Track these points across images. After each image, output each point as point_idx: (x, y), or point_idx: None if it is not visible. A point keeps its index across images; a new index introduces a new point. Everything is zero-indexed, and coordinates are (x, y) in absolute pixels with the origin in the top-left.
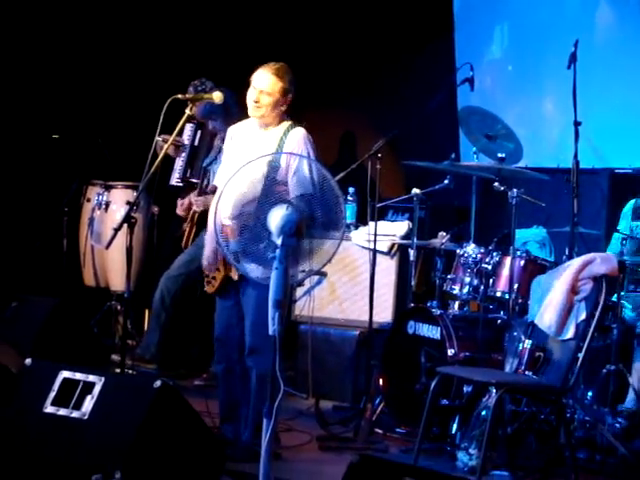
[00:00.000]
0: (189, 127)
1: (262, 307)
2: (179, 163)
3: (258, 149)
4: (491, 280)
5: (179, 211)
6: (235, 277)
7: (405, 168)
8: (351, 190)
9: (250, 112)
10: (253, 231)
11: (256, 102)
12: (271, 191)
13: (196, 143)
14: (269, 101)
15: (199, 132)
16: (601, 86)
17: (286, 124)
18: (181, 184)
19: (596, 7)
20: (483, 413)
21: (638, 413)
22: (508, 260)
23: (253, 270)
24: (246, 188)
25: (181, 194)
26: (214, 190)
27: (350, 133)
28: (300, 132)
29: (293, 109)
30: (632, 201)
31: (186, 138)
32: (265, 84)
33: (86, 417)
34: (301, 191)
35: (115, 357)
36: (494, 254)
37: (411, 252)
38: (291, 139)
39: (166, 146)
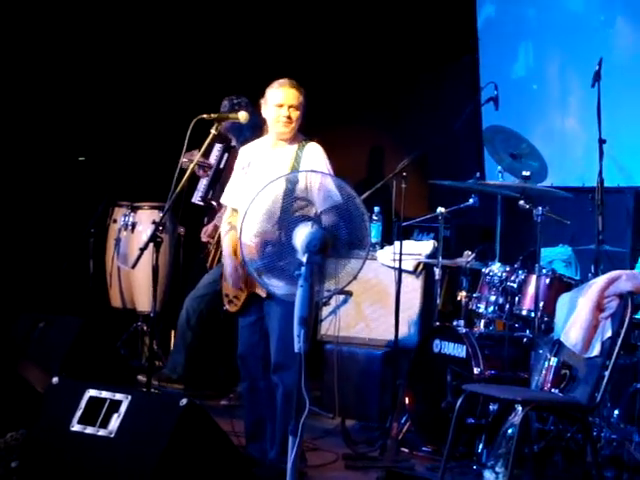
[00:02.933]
0: (217, 148)
1: (287, 323)
2: (203, 182)
3: (274, 166)
4: (517, 298)
5: (203, 237)
6: (263, 294)
7: (430, 187)
8: (376, 209)
9: (279, 130)
10: (275, 248)
11: (289, 118)
12: (291, 207)
13: (222, 165)
14: (297, 115)
15: (226, 154)
16: (626, 104)
17: (299, 139)
18: (202, 203)
19: (619, 24)
20: (509, 431)
21: None
22: (533, 278)
23: (277, 287)
24: (267, 206)
25: (206, 219)
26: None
27: (377, 152)
28: (316, 147)
29: (321, 127)
30: None
31: (213, 158)
32: (293, 99)
33: (113, 435)
34: (330, 203)
35: (141, 378)
36: (519, 272)
37: (436, 271)
38: (308, 154)
39: (191, 166)
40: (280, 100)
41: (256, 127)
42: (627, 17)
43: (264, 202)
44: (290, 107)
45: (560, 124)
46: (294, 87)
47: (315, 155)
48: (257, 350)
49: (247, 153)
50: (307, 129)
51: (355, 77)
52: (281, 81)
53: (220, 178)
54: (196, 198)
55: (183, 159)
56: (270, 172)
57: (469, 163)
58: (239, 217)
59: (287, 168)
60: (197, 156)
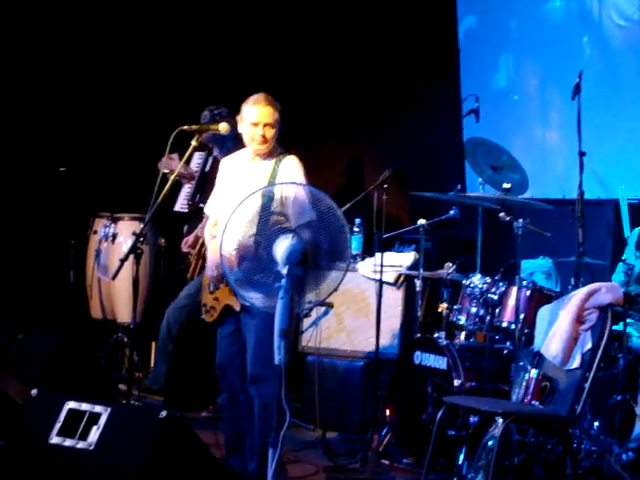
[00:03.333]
0: (198, 155)
1: (262, 335)
2: (186, 190)
3: (252, 180)
4: (497, 310)
5: (184, 248)
6: (237, 308)
7: (411, 199)
8: (357, 221)
9: (255, 148)
10: (253, 261)
11: (264, 137)
12: (268, 221)
13: (207, 169)
14: (273, 133)
15: (210, 159)
16: (606, 116)
17: (276, 152)
18: (186, 209)
19: (600, 37)
20: (490, 443)
21: None
22: (514, 290)
23: (256, 299)
24: (244, 220)
25: (186, 229)
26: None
27: (357, 164)
28: (293, 161)
29: (302, 140)
30: (636, 230)
31: (194, 166)
32: (268, 117)
33: (92, 448)
34: (305, 219)
35: (122, 387)
36: (500, 284)
37: (417, 283)
38: (284, 168)
39: (172, 177)
40: (255, 119)
41: (238, 138)
42: (607, 29)
43: (242, 216)
44: (265, 125)
45: (541, 136)
46: (269, 104)
47: (291, 169)
48: (235, 361)
49: (228, 165)
50: (287, 142)
51: (335, 89)
52: (256, 98)
53: (207, 181)
54: (179, 205)
55: (163, 170)
56: (248, 186)
57: (450, 175)
58: (219, 229)
59: (264, 182)
60: (178, 167)
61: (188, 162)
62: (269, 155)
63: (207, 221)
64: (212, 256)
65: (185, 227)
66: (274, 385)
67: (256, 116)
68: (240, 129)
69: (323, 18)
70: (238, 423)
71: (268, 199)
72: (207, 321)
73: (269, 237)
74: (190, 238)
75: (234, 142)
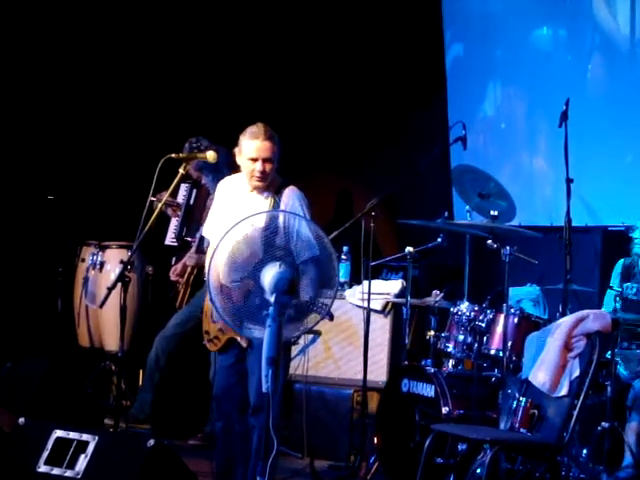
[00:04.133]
0: (184, 187)
1: None
2: (174, 223)
3: (251, 210)
4: (485, 338)
5: (172, 277)
6: (244, 344)
7: (399, 227)
8: (345, 249)
9: (254, 184)
10: (256, 294)
11: (263, 173)
12: (271, 256)
13: (191, 202)
14: (271, 167)
15: (194, 191)
16: (593, 143)
17: (276, 182)
18: (176, 243)
19: (587, 65)
20: (478, 471)
21: (636, 475)
22: (502, 318)
23: (254, 330)
24: (247, 252)
25: (175, 258)
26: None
27: (346, 193)
28: (293, 190)
29: (292, 170)
30: (621, 261)
31: (181, 197)
32: (267, 152)
33: (80, 476)
34: (309, 254)
35: (108, 421)
36: (488, 312)
37: (405, 310)
38: (285, 198)
39: (159, 205)
40: (254, 154)
41: (232, 165)
42: (595, 58)
43: (241, 247)
44: (265, 161)
45: (528, 163)
46: (268, 139)
47: (291, 198)
48: (234, 392)
49: (226, 188)
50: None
51: (321, 119)
52: (255, 131)
53: (192, 215)
54: (169, 239)
55: (152, 198)
56: (246, 214)
57: (438, 202)
58: (207, 256)
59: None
60: (165, 195)
61: (175, 191)
62: (269, 186)
63: (194, 249)
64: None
65: (174, 259)
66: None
67: (254, 151)
68: (238, 161)
69: (309, 46)
70: (230, 452)
71: (271, 230)
72: (210, 350)
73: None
74: (178, 266)
75: (229, 170)
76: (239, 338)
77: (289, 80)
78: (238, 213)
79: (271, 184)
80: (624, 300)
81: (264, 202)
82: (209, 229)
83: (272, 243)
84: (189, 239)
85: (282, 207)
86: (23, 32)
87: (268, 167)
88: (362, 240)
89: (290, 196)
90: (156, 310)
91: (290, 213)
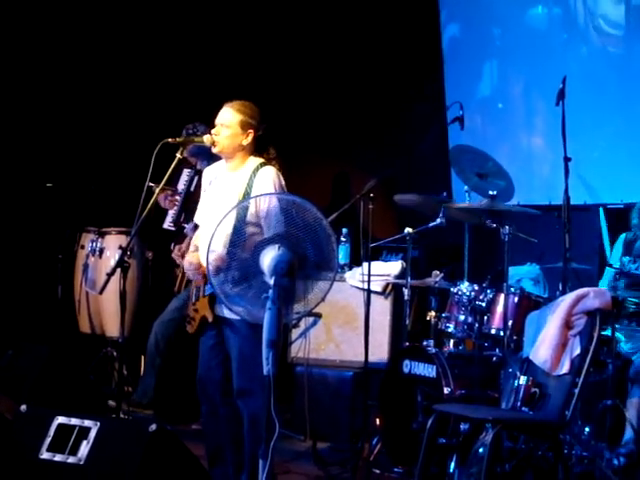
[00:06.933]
0: (186, 172)
1: (246, 348)
2: (174, 207)
3: (228, 191)
4: (485, 317)
5: (175, 254)
6: (210, 319)
7: (398, 208)
8: (344, 231)
9: (212, 148)
10: (228, 273)
11: (216, 135)
12: (242, 232)
13: (192, 188)
14: (227, 133)
15: (196, 178)
16: (590, 121)
17: (254, 163)
18: (173, 228)
19: (583, 43)
20: (480, 451)
21: (637, 450)
22: (502, 297)
23: (240, 310)
24: (223, 232)
25: (173, 243)
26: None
27: (343, 175)
28: (268, 171)
29: (288, 152)
30: (622, 235)
31: (182, 183)
32: (223, 118)
33: (82, 462)
34: (274, 231)
35: (112, 403)
36: (488, 291)
37: (405, 291)
38: (259, 179)
39: (157, 190)
40: (216, 120)
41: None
42: (590, 36)
43: (222, 228)
44: (220, 125)
45: (526, 142)
46: (231, 107)
47: (266, 180)
48: (215, 374)
49: (208, 174)
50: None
51: (319, 100)
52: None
53: (192, 200)
54: (167, 223)
55: (151, 184)
56: (224, 196)
57: (436, 183)
58: (200, 240)
59: (240, 193)
60: (163, 181)
61: (174, 176)
62: (242, 163)
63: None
64: (187, 265)
65: (172, 244)
66: (262, 397)
67: (217, 117)
68: None
69: (305, 30)
70: (218, 437)
71: (243, 210)
72: (189, 332)
73: (244, 248)
74: (183, 245)
75: None
76: (207, 314)
77: (285, 63)
78: (217, 194)
79: (245, 162)
80: (627, 276)
81: (240, 181)
82: (197, 215)
83: (244, 221)
84: (185, 225)
85: (256, 186)
86: (20, 21)
87: (222, 131)
88: (361, 222)
89: (265, 175)
90: (156, 295)
91: (265, 195)
